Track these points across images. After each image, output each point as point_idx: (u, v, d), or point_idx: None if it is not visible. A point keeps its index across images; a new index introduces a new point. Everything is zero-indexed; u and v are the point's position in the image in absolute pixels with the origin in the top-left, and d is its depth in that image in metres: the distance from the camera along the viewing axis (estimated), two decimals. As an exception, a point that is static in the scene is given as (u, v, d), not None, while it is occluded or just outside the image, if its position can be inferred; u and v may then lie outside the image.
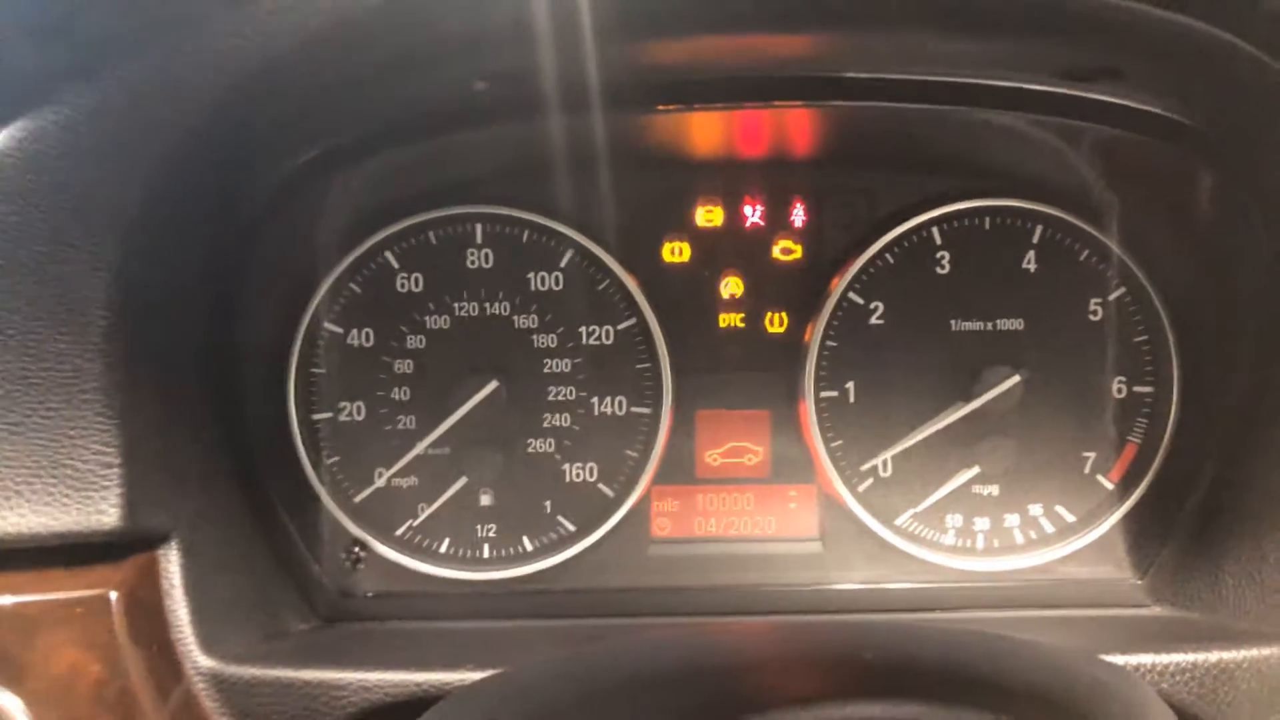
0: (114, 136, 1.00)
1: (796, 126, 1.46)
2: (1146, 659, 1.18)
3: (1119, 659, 1.17)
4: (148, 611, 1.18)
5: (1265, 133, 1.18)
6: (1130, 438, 1.56)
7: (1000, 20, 0.98)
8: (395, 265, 1.54)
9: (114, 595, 1.13)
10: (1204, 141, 1.24)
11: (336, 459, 1.55)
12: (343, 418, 1.54)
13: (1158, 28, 0.92)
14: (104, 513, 1.12)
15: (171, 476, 1.23)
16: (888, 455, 1.56)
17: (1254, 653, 1.18)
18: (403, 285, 1.54)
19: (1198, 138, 1.24)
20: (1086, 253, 1.55)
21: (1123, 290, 1.54)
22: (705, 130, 1.47)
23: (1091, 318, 1.55)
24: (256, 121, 1.14)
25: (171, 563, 1.20)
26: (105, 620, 1.12)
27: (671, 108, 1.30)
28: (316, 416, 1.54)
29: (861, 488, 1.57)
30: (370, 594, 1.54)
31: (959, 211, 1.54)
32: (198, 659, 1.18)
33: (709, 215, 1.57)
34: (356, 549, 1.54)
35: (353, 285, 1.53)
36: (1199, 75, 1.07)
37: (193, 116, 0.99)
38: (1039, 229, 1.54)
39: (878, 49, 1.18)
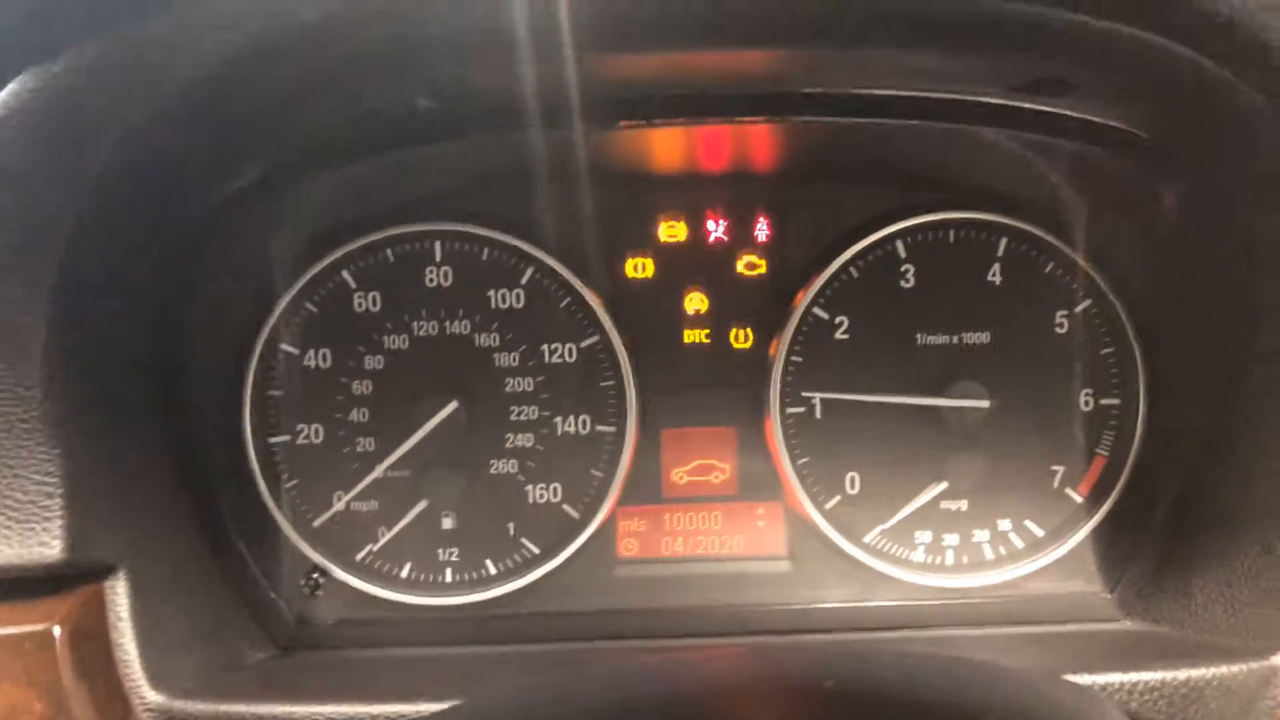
0: (48, 145, 0.96)
1: (759, 141, 1.44)
2: (1115, 678, 1.16)
3: (1088, 677, 1.15)
4: (94, 646, 1.14)
5: (1215, 144, 1.18)
6: (1099, 450, 1.55)
7: (944, 32, 0.97)
8: (352, 284, 1.51)
9: (58, 630, 1.09)
10: (1159, 153, 1.24)
11: (294, 483, 1.51)
12: (300, 440, 1.51)
13: (1090, 36, 0.91)
14: (46, 545, 1.09)
15: (118, 505, 1.20)
16: (855, 472, 1.54)
17: (1223, 670, 1.17)
18: (360, 305, 1.51)
19: (1152, 150, 1.23)
20: (1052, 265, 1.54)
21: (1089, 302, 1.54)
22: (667, 146, 1.45)
23: (1058, 330, 1.54)
24: (203, 132, 1.11)
25: (119, 594, 1.17)
26: (49, 655, 1.09)
27: (634, 124, 1.28)
28: (273, 440, 1.51)
29: (829, 505, 1.55)
30: (330, 621, 1.50)
31: (923, 224, 1.53)
32: (146, 694, 1.14)
33: (672, 230, 1.56)
34: (315, 575, 1.50)
35: (309, 305, 1.50)
36: (1144, 85, 1.06)
37: (132, 126, 0.96)
38: (1004, 241, 1.53)
39: (837, 64, 1.17)
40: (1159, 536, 1.47)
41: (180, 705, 1.14)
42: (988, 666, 0.92)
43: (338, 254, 1.49)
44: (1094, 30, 0.89)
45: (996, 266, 1.54)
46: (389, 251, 1.51)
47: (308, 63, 0.96)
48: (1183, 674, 1.16)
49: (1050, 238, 1.53)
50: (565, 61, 1.05)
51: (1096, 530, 1.54)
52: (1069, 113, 1.20)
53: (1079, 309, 1.54)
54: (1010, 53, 1.01)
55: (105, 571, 1.17)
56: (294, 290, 1.49)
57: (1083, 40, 0.91)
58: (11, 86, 0.95)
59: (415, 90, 1.09)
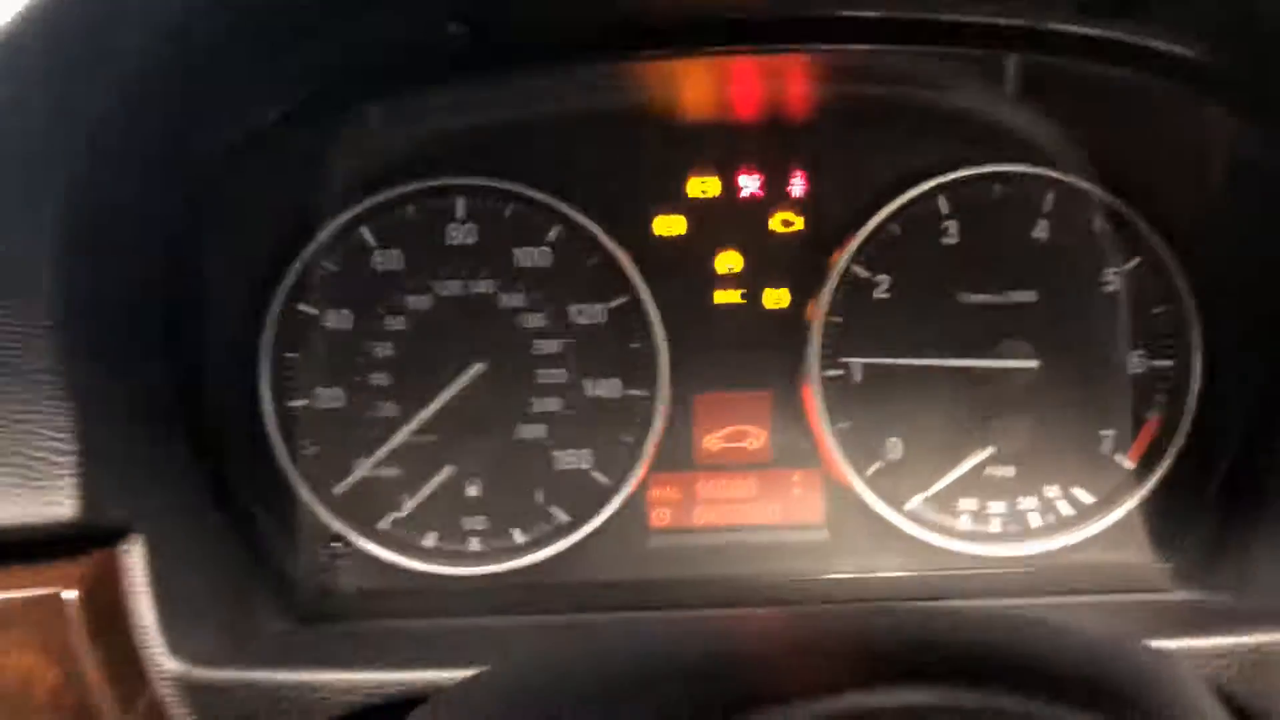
0: (54, 76, 0.91)
1: (793, 81, 1.38)
2: (1183, 643, 1.10)
3: (1155, 643, 1.10)
4: (108, 612, 1.09)
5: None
6: (1150, 414, 1.48)
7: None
8: (372, 242, 1.45)
9: (71, 594, 1.04)
10: (1230, 89, 1.17)
11: (314, 449, 1.46)
12: (320, 405, 1.46)
13: None
14: (58, 504, 1.03)
15: (133, 466, 1.15)
16: (897, 437, 1.48)
17: (1294, 634, 1.11)
18: (380, 263, 1.45)
19: (1223, 84, 1.16)
20: (1100, 220, 1.47)
21: (1139, 260, 1.47)
22: (697, 88, 1.39)
23: (1107, 288, 1.48)
24: (212, 67, 1.05)
25: (134, 558, 1.11)
26: (61, 621, 1.03)
27: (661, 52, 1.21)
28: (292, 404, 1.45)
29: (869, 471, 1.49)
30: (351, 591, 1.45)
31: (966, 178, 1.46)
32: (164, 662, 1.09)
33: (703, 186, 1.49)
34: (336, 544, 1.45)
35: (327, 263, 1.45)
36: (1233, 9, 0.99)
37: (140, 60, 0.90)
38: (1050, 196, 1.47)
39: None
40: (1215, 504, 1.41)
41: (200, 673, 1.09)
42: (1067, 627, 0.86)
43: (357, 209, 1.44)
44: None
45: (1043, 222, 1.47)
46: (410, 207, 1.45)
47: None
48: (1253, 639, 1.11)
49: (1099, 191, 1.46)
50: None
51: (1149, 497, 1.48)
52: (1134, 39, 1.12)
53: (1129, 266, 1.47)
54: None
55: (119, 534, 1.11)
56: (312, 248, 1.44)
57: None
58: (16, 13, 0.90)
59: (445, 11, 1.03)
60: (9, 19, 0.88)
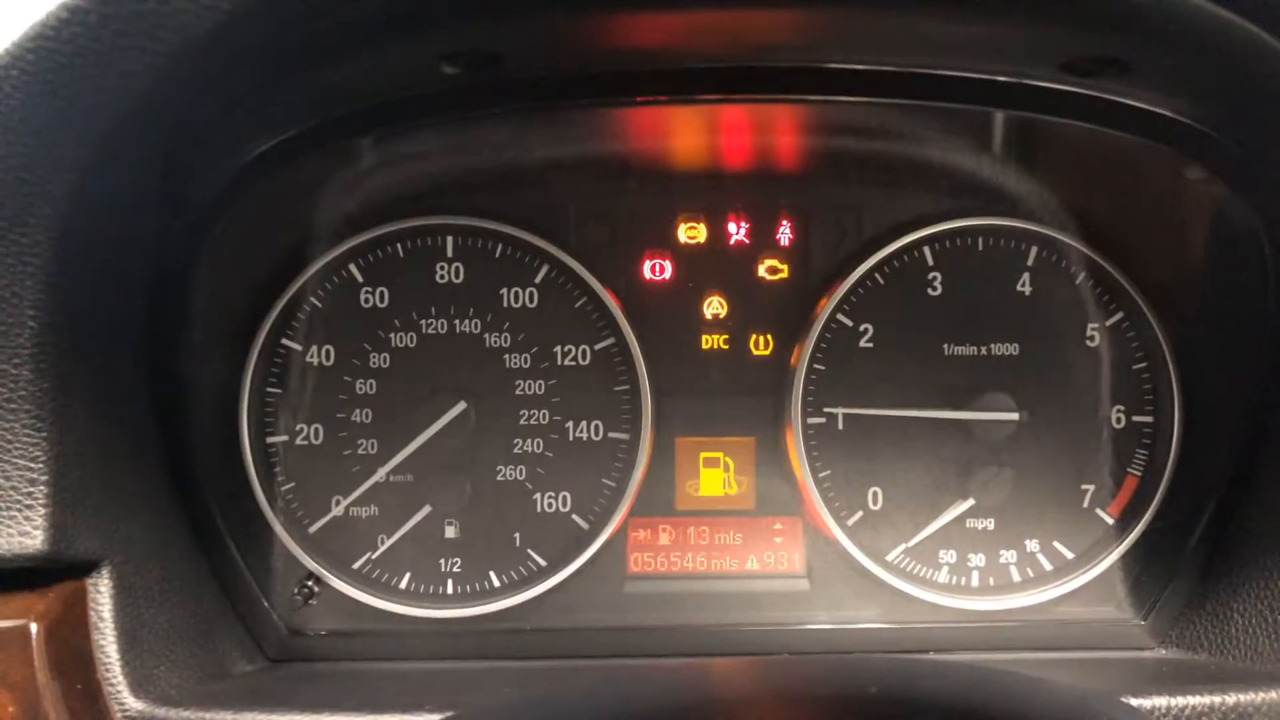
0: (40, 110, 0.91)
1: (783, 131, 1.39)
2: (1160, 702, 1.09)
3: (1132, 701, 1.09)
4: (73, 646, 1.07)
5: (1270, 139, 1.13)
6: (1130, 469, 1.49)
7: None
8: (360, 279, 1.45)
9: (35, 627, 1.02)
10: (1211, 147, 1.19)
11: (291, 485, 1.44)
12: (299, 441, 1.44)
13: (1171, 11, 0.86)
14: (27, 534, 1.02)
15: (106, 498, 1.12)
16: (878, 487, 1.48)
17: (1272, 695, 1.10)
18: (367, 300, 1.45)
19: (1204, 143, 1.18)
20: (1083, 275, 1.49)
21: (1121, 315, 1.49)
22: (687, 135, 1.40)
23: (1089, 343, 1.49)
24: (205, 99, 1.05)
25: (101, 593, 1.09)
26: (24, 654, 1.01)
27: (652, 100, 1.22)
28: (271, 439, 1.44)
29: (851, 521, 1.48)
30: (323, 632, 1.43)
31: (951, 230, 1.48)
32: (126, 700, 1.07)
33: (692, 231, 1.50)
34: (310, 583, 1.42)
35: (313, 299, 1.44)
36: (1212, 70, 1.01)
37: (133, 89, 0.90)
38: (1034, 250, 1.49)
39: (868, 33, 1.11)
40: (1195, 560, 1.41)
41: (163, 713, 1.06)
42: (1043, 682, 0.86)
43: (346, 246, 1.43)
44: (1172, 5, 0.83)
45: (1026, 276, 1.49)
46: (399, 246, 1.45)
47: (319, 20, 0.90)
48: (1231, 698, 1.10)
49: (1082, 247, 1.48)
50: (588, 24, 0.99)
51: (1128, 553, 1.47)
52: (1116, 98, 1.14)
53: (1111, 322, 1.49)
54: (1064, 23, 0.96)
55: (88, 568, 1.09)
56: (298, 283, 1.43)
57: (1143, 10, 0.86)
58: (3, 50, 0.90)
59: (438, 53, 1.03)
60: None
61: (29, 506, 1.02)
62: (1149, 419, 1.49)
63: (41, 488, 1.02)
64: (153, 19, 0.84)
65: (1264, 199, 1.23)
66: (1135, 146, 1.24)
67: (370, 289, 1.45)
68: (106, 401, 1.16)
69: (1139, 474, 1.49)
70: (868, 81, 1.19)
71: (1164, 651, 1.41)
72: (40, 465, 1.02)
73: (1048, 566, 1.49)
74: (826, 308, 1.48)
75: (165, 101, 0.98)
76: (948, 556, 1.49)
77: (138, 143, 1.02)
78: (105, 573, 1.10)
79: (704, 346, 1.50)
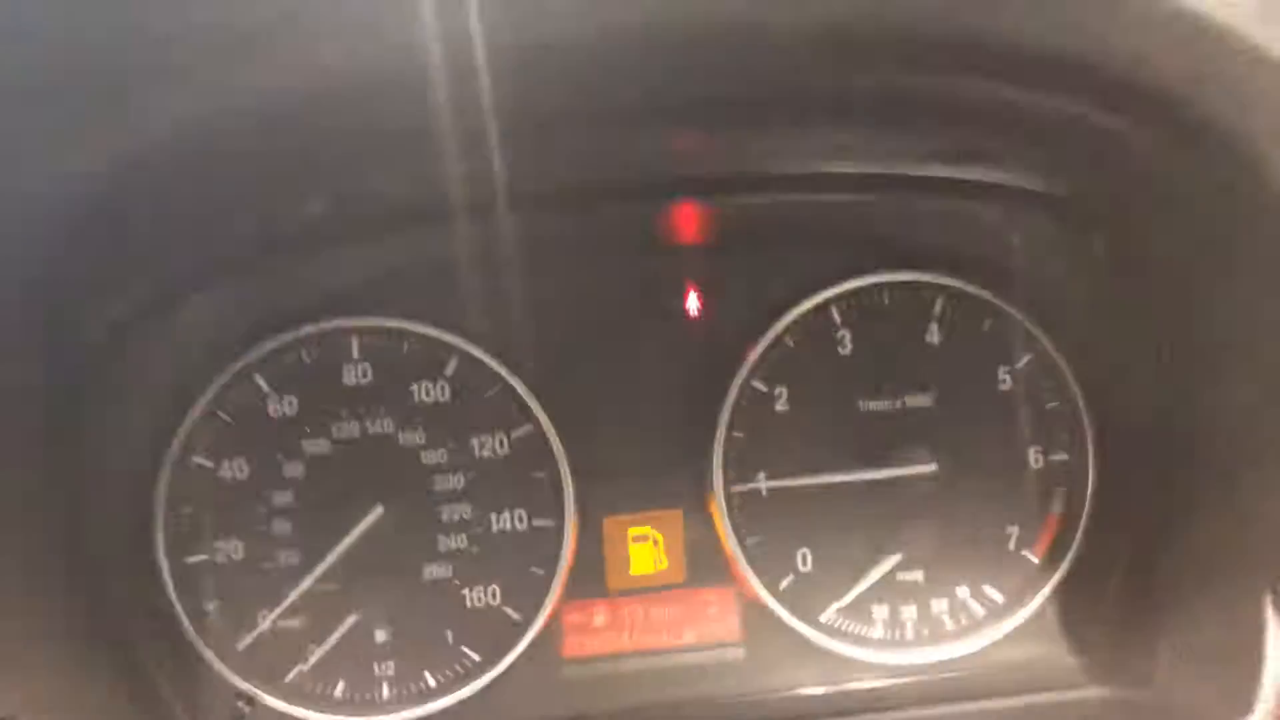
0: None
1: (686, 221, 1.40)
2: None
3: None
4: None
5: (1137, 204, 1.15)
6: (1051, 509, 1.51)
7: (861, 110, 0.94)
8: (266, 389, 1.43)
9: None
10: (1088, 215, 1.21)
11: (214, 604, 1.41)
12: (219, 559, 1.42)
13: (1004, 109, 0.88)
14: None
15: (11, 654, 1.09)
16: (806, 549, 1.48)
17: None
18: (276, 410, 1.43)
19: (1081, 212, 1.20)
20: (990, 321, 1.50)
21: (1029, 357, 1.50)
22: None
23: (1001, 387, 1.51)
24: (85, 251, 1.03)
25: (16, 757, 1.06)
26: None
27: (563, 213, 1.22)
28: (190, 560, 1.41)
29: (782, 585, 1.48)
30: (259, 752, 1.41)
31: (855, 289, 1.49)
32: None
33: (599, 310, 1.50)
34: (241, 703, 1.40)
35: (221, 414, 1.42)
36: (1069, 156, 1.03)
37: (25, 239, 0.88)
38: (939, 300, 1.50)
39: (760, 146, 1.12)
40: (1119, 596, 1.43)
41: None
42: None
43: (249, 359, 1.41)
44: (1007, 103, 0.85)
45: (933, 326, 1.50)
46: (303, 352, 1.43)
47: (192, 173, 0.89)
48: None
49: (985, 294, 1.49)
50: (473, 154, 0.99)
51: (1055, 592, 1.49)
52: (989, 180, 1.16)
53: (1020, 364, 1.50)
54: (928, 126, 0.97)
55: (-3, 730, 1.06)
56: (204, 400, 1.41)
57: (997, 112, 0.88)
58: None
59: (307, 195, 1.02)
60: None
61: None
62: (1065, 457, 1.51)
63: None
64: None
65: (1139, 249, 1.25)
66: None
67: (278, 398, 1.43)
68: (5, 555, 1.13)
69: (1060, 512, 1.51)
70: (766, 181, 1.19)
71: (1096, 690, 1.43)
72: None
73: (980, 612, 1.50)
74: (740, 374, 1.48)
75: (40, 261, 0.97)
76: (881, 612, 1.49)
77: (19, 295, 1.00)
78: (17, 734, 1.07)
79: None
